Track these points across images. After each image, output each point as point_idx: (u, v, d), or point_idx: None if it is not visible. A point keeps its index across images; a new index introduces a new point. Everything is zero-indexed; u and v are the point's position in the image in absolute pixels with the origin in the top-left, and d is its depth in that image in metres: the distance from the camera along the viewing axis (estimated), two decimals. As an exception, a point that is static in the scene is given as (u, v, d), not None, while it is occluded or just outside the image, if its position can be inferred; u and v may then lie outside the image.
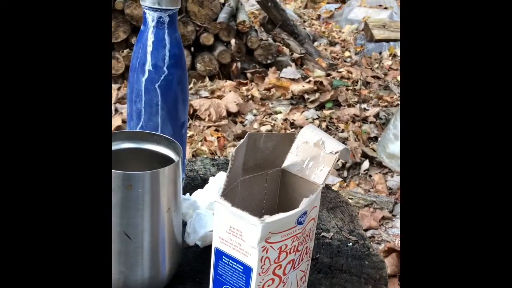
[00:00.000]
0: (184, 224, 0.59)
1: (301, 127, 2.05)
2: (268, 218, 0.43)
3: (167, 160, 0.52)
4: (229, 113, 2.17)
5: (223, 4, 2.55)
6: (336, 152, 0.50)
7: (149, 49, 0.60)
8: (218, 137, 1.95)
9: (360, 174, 1.82)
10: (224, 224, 0.45)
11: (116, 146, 0.51)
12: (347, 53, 3.15)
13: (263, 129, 2.06)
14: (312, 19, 4.05)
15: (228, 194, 0.48)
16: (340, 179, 1.78)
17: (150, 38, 0.60)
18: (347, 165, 1.85)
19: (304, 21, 3.92)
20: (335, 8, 4.20)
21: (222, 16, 2.45)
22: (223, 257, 0.47)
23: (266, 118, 2.18)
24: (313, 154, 0.52)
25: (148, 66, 0.60)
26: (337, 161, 0.51)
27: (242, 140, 0.48)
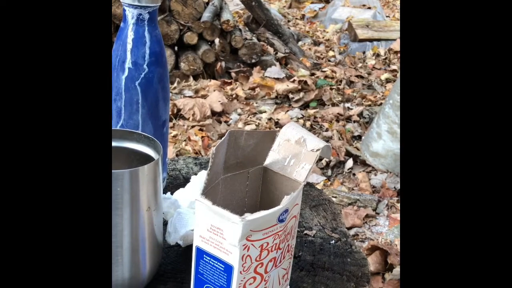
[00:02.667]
0: (165, 223, 0.58)
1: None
2: (249, 216, 0.43)
3: (147, 159, 0.51)
4: (214, 113, 2.16)
5: (207, 3, 2.54)
6: (317, 150, 0.50)
7: (129, 46, 0.60)
8: (202, 137, 1.94)
9: (344, 173, 1.83)
10: (205, 223, 0.45)
11: (95, 144, 0.51)
12: (331, 53, 3.17)
13: (248, 128, 2.06)
14: (296, 18, 4.05)
15: (209, 192, 0.47)
16: (324, 178, 1.78)
17: (130, 35, 0.60)
18: (331, 164, 1.85)
19: (289, 21, 3.93)
20: (319, 8, 4.21)
21: (206, 15, 2.44)
22: (204, 256, 0.46)
23: (250, 118, 2.18)
24: (295, 151, 0.52)
25: (128, 64, 0.60)
26: (319, 159, 0.51)
27: (223, 138, 0.48)
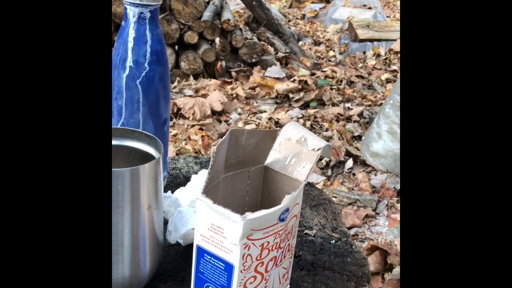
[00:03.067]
0: (166, 222, 0.58)
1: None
2: (249, 215, 0.43)
3: (148, 157, 0.51)
4: (214, 112, 2.16)
5: (208, 3, 2.54)
6: (318, 149, 0.50)
7: (130, 45, 0.60)
8: (202, 136, 1.94)
9: (344, 173, 1.83)
10: (206, 222, 0.45)
11: (95, 143, 0.51)
12: (331, 53, 3.17)
13: (248, 128, 2.06)
14: (296, 18, 4.05)
15: (210, 191, 0.47)
16: (324, 178, 1.78)
17: (131, 34, 0.60)
18: (331, 163, 1.85)
19: (289, 21, 3.93)
20: (320, 8, 4.21)
21: (207, 15, 2.44)
22: (205, 254, 0.46)
23: (250, 117, 2.18)
24: (296, 151, 0.52)
25: (129, 62, 0.60)
26: (320, 158, 0.51)
27: (224, 137, 0.48)
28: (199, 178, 0.64)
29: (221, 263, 0.45)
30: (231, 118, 2.17)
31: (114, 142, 0.52)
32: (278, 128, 0.53)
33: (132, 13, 0.59)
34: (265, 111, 2.23)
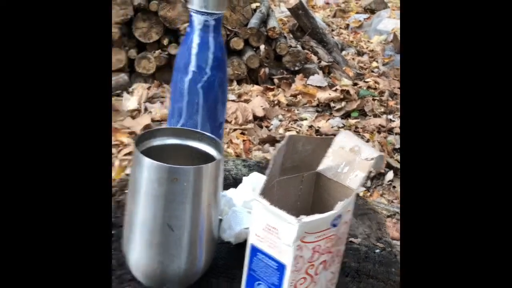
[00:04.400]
0: (219, 220, 0.61)
1: (326, 135, 2.05)
2: (305, 218, 0.45)
3: (207, 157, 0.54)
4: (255, 117, 2.19)
5: (255, 10, 2.58)
6: (371, 159, 0.52)
7: (194, 51, 0.63)
8: (243, 140, 1.97)
9: (384, 185, 1.82)
10: (261, 222, 0.47)
11: (161, 141, 0.54)
12: (374, 64, 3.15)
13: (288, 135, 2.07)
14: (340, 28, 4.05)
15: (266, 193, 0.50)
16: (364, 189, 1.78)
17: (196, 40, 0.63)
18: (371, 175, 1.85)
19: (333, 30, 3.93)
20: (364, 18, 4.19)
21: (253, 22, 2.48)
22: (258, 253, 0.48)
23: (291, 124, 2.20)
24: (349, 159, 0.53)
25: (192, 67, 0.63)
26: (371, 169, 0.53)
27: (282, 142, 0.50)
28: (250, 180, 0.66)
29: (274, 263, 0.47)
30: (272, 124, 2.19)
31: (177, 141, 0.55)
32: (332, 136, 0.55)
33: (197, 20, 0.63)
34: (305, 119, 2.25)
